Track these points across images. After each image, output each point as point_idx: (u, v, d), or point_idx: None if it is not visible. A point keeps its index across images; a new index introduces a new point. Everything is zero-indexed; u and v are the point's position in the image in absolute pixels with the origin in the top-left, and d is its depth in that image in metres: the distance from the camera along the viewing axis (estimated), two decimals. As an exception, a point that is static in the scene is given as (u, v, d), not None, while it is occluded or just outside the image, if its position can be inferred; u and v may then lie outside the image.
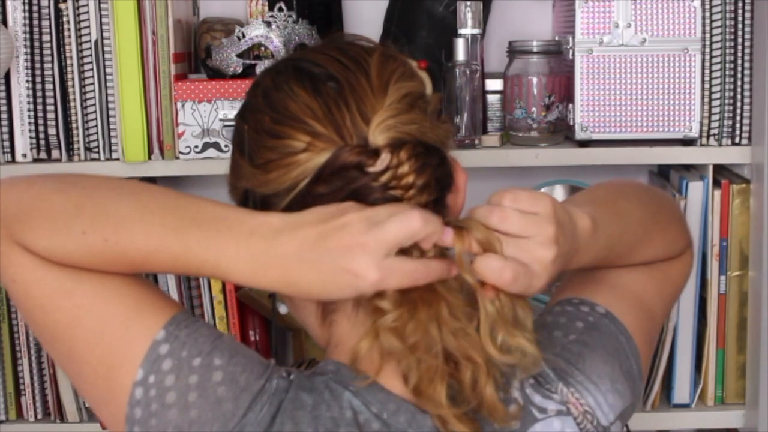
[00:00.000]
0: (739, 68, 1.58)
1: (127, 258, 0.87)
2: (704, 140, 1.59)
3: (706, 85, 1.58)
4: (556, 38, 1.66)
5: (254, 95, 0.96)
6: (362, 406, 0.89)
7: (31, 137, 1.60)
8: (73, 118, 1.60)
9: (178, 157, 1.58)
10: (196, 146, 1.57)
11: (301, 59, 0.96)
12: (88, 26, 1.58)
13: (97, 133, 1.60)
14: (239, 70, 1.57)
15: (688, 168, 1.67)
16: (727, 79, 1.59)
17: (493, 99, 1.66)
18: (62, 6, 1.58)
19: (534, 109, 1.59)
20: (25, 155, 1.60)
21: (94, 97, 1.60)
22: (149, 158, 1.59)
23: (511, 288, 0.85)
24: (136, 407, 0.88)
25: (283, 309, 1.61)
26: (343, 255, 0.82)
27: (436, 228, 0.84)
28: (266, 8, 1.68)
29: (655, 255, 1.05)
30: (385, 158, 0.87)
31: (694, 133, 1.57)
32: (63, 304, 0.89)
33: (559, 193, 1.67)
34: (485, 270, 0.85)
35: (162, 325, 0.89)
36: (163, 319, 0.89)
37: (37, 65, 1.59)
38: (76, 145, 1.60)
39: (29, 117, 1.60)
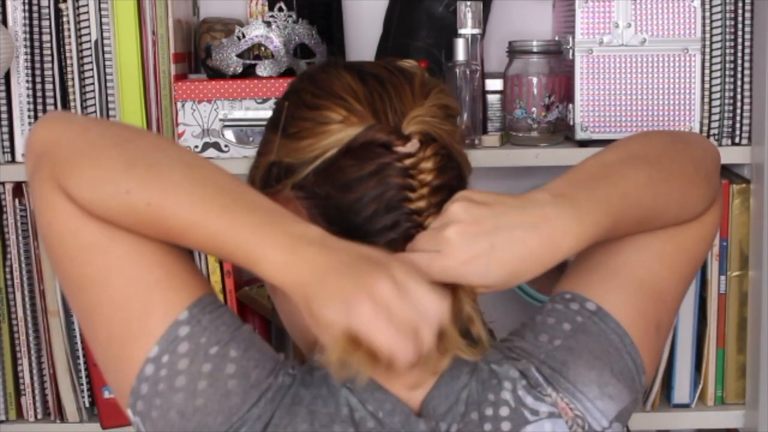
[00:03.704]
0: (739, 68, 1.58)
1: (166, 226, 0.86)
2: (704, 140, 1.59)
3: (706, 85, 1.58)
4: (556, 38, 1.66)
5: (300, 79, 0.99)
6: (358, 403, 0.90)
7: (31, 137, 1.60)
8: (73, 118, 1.60)
9: (178, 157, 1.58)
10: (196, 146, 1.57)
11: (350, 62, 1.00)
12: (88, 26, 1.58)
13: (97, 133, 1.60)
14: (239, 70, 1.57)
15: (688, 168, 1.67)
16: (727, 79, 1.59)
17: (493, 99, 1.66)
18: (62, 6, 1.58)
19: (534, 109, 1.59)
20: (25, 155, 1.60)
21: (94, 97, 1.60)
22: (149, 158, 1.59)
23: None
24: (144, 383, 0.88)
25: (283, 309, 1.61)
26: (354, 285, 0.81)
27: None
28: (266, 8, 1.69)
29: (669, 220, 1.00)
30: (414, 143, 0.90)
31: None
32: (94, 260, 0.89)
33: (559, 193, 1.67)
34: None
35: (186, 305, 0.88)
36: (188, 299, 0.89)
37: (37, 65, 1.59)
38: (76, 145, 1.60)
39: (29, 117, 1.60)
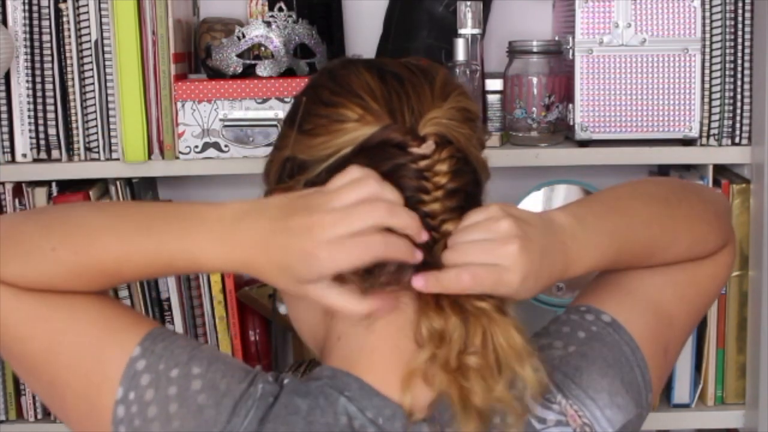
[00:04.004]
0: (739, 68, 1.58)
1: (100, 268, 0.88)
2: (704, 140, 1.59)
3: (706, 85, 1.58)
4: (556, 38, 1.66)
5: (320, 74, 0.99)
6: (357, 411, 0.89)
7: (31, 137, 1.60)
8: (73, 118, 1.60)
9: (178, 157, 1.58)
10: (196, 146, 1.57)
11: (372, 59, 1.00)
12: (88, 26, 1.58)
13: (97, 133, 1.60)
14: (239, 70, 1.57)
15: (688, 168, 1.67)
16: (727, 79, 1.59)
17: (493, 99, 1.66)
18: (62, 6, 1.58)
19: (534, 109, 1.59)
20: (25, 155, 1.60)
21: (94, 97, 1.60)
22: (149, 158, 1.59)
23: (477, 288, 0.86)
24: (120, 425, 0.88)
25: (283, 309, 1.61)
26: (301, 234, 0.83)
27: (407, 222, 0.85)
28: (266, 8, 1.69)
29: (678, 255, 1.02)
30: (429, 145, 0.89)
31: (694, 133, 1.57)
32: (39, 330, 0.90)
33: (559, 193, 1.67)
34: (443, 281, 0.87)
35: (137, 342, 0.89)
36: (137, 336, 0.90)
37: (37, 65, 1.59)
38: (76, 145, 1.60)
39: (29, 117, 1.60)
